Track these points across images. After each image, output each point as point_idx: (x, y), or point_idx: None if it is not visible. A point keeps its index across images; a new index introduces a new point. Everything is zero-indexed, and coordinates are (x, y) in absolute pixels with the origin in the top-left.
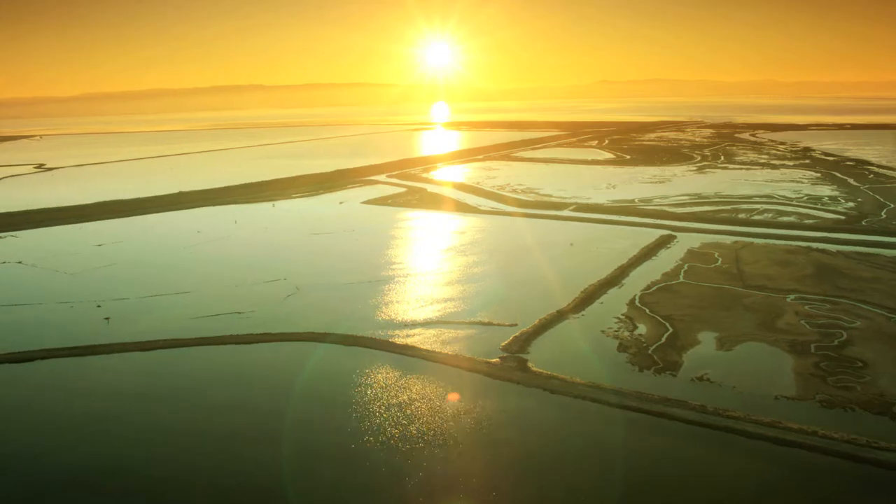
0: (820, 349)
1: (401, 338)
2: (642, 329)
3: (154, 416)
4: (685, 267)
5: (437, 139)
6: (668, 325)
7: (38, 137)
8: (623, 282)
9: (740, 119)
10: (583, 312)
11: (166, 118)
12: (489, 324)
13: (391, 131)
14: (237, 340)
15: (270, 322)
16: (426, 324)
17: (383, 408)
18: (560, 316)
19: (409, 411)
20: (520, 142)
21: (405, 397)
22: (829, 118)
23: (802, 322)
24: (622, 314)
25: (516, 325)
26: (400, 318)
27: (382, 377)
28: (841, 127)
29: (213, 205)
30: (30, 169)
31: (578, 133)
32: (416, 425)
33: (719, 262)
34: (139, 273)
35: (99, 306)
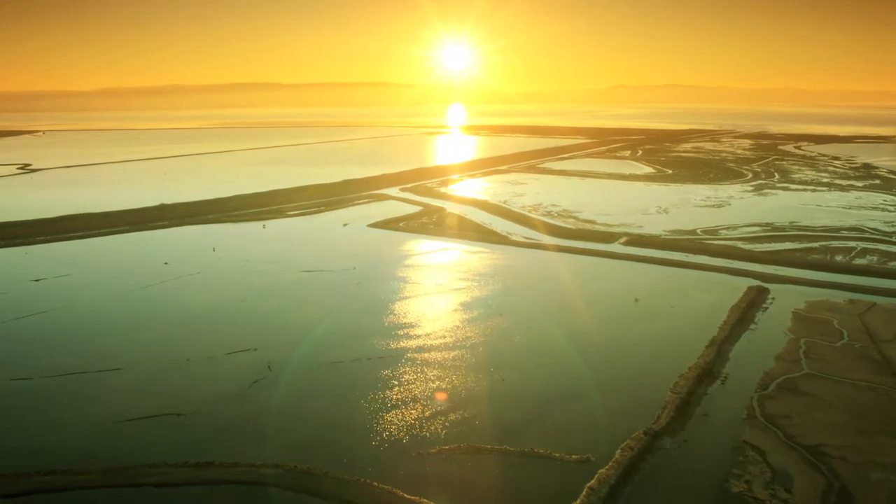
0: None
1: (409, 484)
2: (786, 475)
3: None
4: (802, 345)
5: (455, 145)
6: (824, 469)
7: (41, 133)
8: (724, 371)
9: (774, 129)
10: (683, 435)
11: (180, 115)
12: (546, 456)
13: (407, 134)
14: (159, 479)
15: (218, 437)
16: (449, 456)
17: None
18: (652, 442)
19: None
20: (545, 150)
21: None
22: (870, 129)
23: None
24: (745, 441)
25: (588, 458)
26: (408, 440)
27: None
28: (889, 140)
29: (197, 222)
30: (12, 170)
31: (606, 141)
32: None
33: (845, 336)
34: (66, 330)
35: None
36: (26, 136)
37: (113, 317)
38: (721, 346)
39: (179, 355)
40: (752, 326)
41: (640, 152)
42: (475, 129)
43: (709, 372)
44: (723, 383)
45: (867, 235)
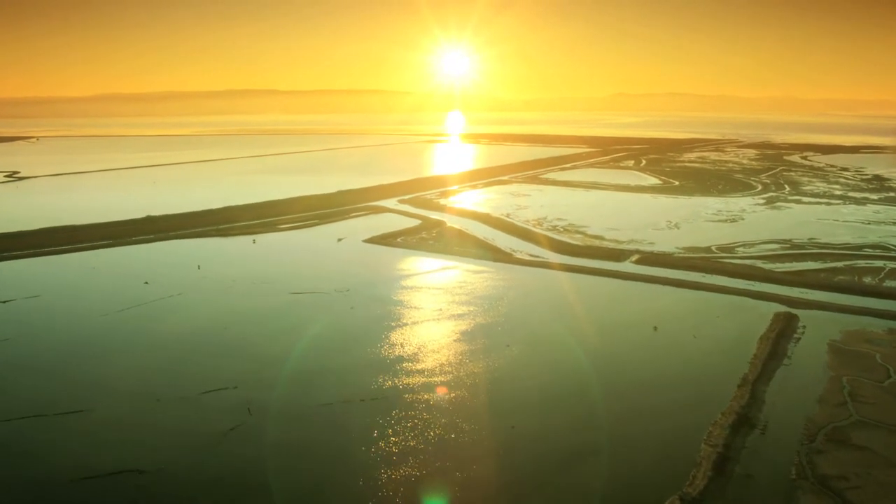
0: None
1: None
2: None
3: None
4: (845, 384)
5: (455, 154)
6: None
7: (34, 140)
8: (762, 417)
9: (778, 138)
10: (725, 503)
11: (175, 121)
12: None
13: (405, 143)
14: None
15: (183, 501)
16: None
17: None
18: None
19: None
20: (547, 159)
21: None
22: (875, 139)
23: None
24: None
25: None
26: None
27: None
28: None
29: (184, 236)
30: None
31: (609, 150)
32: None
33: (892, 373)
34: (28, 363)
35: None
36: (19, 141)
37: (82, 346)
38: (755, 385)
39: (148, 395)
40: (787, 361)
41: (644, 162)
42: (475, 138)
43: (745, 419)
44: (762, 433)
45: (894, 254)
